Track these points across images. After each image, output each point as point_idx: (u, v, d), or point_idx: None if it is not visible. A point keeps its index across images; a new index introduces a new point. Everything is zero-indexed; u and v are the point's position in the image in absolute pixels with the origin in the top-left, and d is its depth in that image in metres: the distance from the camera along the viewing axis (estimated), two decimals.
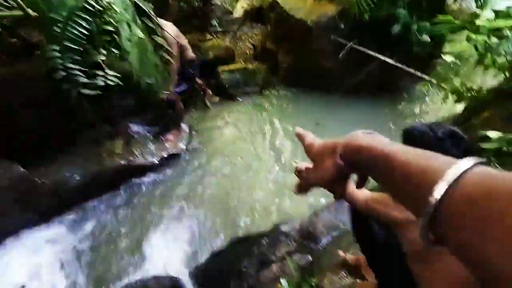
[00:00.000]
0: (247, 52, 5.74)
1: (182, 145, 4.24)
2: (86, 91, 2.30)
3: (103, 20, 2.26)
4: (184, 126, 4.45)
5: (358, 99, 5.02)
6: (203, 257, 3.10)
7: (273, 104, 5.14)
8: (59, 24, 2.22)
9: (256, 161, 4.20)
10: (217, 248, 3.13)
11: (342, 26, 4.67)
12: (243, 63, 5.55)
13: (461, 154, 1.19)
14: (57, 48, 2.20)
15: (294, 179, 0.72)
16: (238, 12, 6.06)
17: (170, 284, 2.79)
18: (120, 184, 3.78)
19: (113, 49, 2.35)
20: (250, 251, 2.86)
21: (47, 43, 2.23)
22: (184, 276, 2.93)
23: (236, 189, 3.84)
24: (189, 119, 4.70)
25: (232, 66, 5.31)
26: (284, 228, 3.02)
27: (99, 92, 2.37)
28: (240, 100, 5.16)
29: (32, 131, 3.32)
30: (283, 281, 2.03)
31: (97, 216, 3.51)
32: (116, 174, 3.77)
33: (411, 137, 1.26)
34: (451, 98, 2.90)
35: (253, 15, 5.99)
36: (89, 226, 3.44)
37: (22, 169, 3.36)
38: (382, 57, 4.35)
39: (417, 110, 4.78)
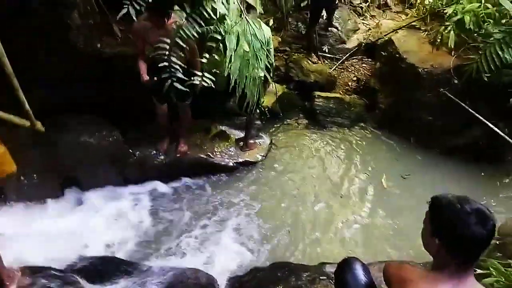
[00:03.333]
0: (349, 83, 5.69)
1: (259, 156, 4.39)
2: (178, 85, 2.56)
3: (213, 28, 2.50)
4: (266, 139, 4.60)
5: (454, 162, 4.63)
6: (245, 268, 3.19)
7: (360, 142, 5.00)
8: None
9: (323, 193, 4.16)
10: (259, 265, 3.18)
11: (456, 81, 4.36)
12: (341, 93, 5.52)
13: (485, 233, 1.16)
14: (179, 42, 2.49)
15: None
16: (352, 43, 6.05)
17: (206, 282, 2.92)
18: (195, 173, 4.08)
19: (215, 56, 2.58)
20: (288, 280, 2.85)
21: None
22: (221, 279, 3.04)
23: (296, 211, 3.87)
24: (273, 133, 4.84)
25: (329, 94, 5.32)
26: (328, 269, 2.95)
27: (187, 90, 2.61)
28: (327, 129, 5.13)
29: (132, 103, 3.73)
30: None
31: (166, 195, 3.85)
32: (193, 165, 4.08)
33: (438, 204, 1.26)
34: None
35: (366, 49, 5.92)
36: (157, 200, 3.79)
37: (120, 136, 3.85)
38: (491, 125, 3.97)
39: None
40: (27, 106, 2.12)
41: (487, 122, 4.09)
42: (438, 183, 4.31)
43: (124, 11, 2.45)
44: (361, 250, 3.52)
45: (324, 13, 5.70)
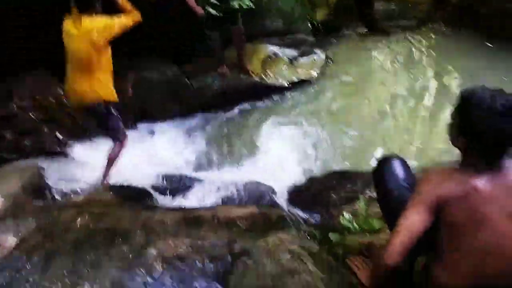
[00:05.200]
0: None
1: (314, 72, 4.30)
2: (212, 11, 2.55)
3: None
4: (321, 54, 4.44)
5: None
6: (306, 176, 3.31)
7: (428, 44, 4.55)
8: None
9: (387, 102, 3.96)
10: (316, 174, 3.28)
11: None
12: None
13: None
14: None
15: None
16: None
17: (266, 193, 3.12)
18: (251, 97, 4.17)
19: None
20: (343, 186, 2.92)
21: None
22: (282, 189, 3.22)
23: (359, 121, 3.78)
24: (329, 48, 4.63)
25: None
26: None
27: (222, 15, 2.57)
28: (391, 35, 4.72)
29: (184, 36, 3.88)
30: (346, 215, 2.07)
31: (226, 120, 4.05)
32: (249, 89, 4.18)
33: (468, 101, 1.11)
34: None
35: None
36: (219, 125, 4.00)
37: (177, 69, 4.07)
38: None
39: None
40: None
41: None
42: None
43: None
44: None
45: None
